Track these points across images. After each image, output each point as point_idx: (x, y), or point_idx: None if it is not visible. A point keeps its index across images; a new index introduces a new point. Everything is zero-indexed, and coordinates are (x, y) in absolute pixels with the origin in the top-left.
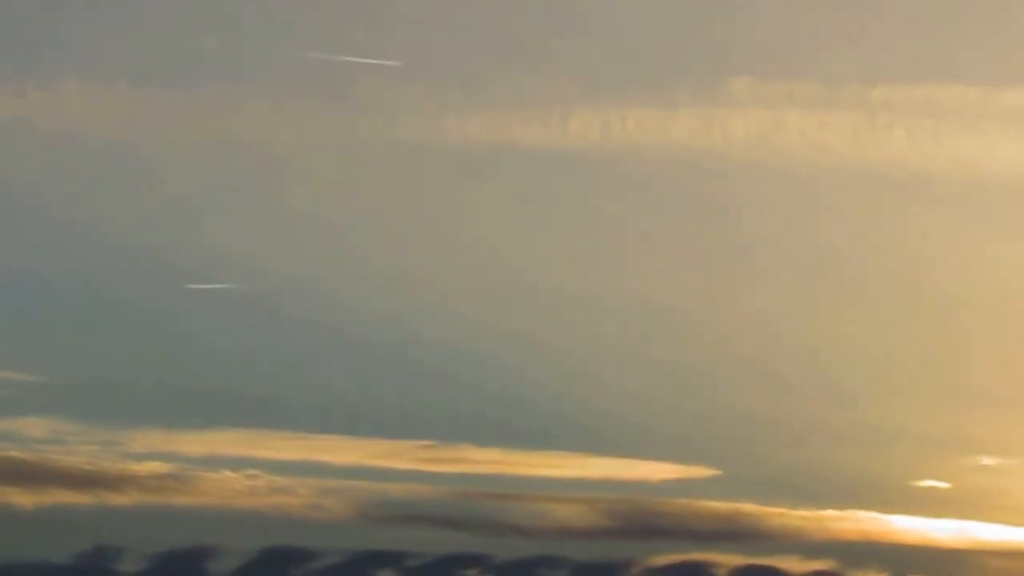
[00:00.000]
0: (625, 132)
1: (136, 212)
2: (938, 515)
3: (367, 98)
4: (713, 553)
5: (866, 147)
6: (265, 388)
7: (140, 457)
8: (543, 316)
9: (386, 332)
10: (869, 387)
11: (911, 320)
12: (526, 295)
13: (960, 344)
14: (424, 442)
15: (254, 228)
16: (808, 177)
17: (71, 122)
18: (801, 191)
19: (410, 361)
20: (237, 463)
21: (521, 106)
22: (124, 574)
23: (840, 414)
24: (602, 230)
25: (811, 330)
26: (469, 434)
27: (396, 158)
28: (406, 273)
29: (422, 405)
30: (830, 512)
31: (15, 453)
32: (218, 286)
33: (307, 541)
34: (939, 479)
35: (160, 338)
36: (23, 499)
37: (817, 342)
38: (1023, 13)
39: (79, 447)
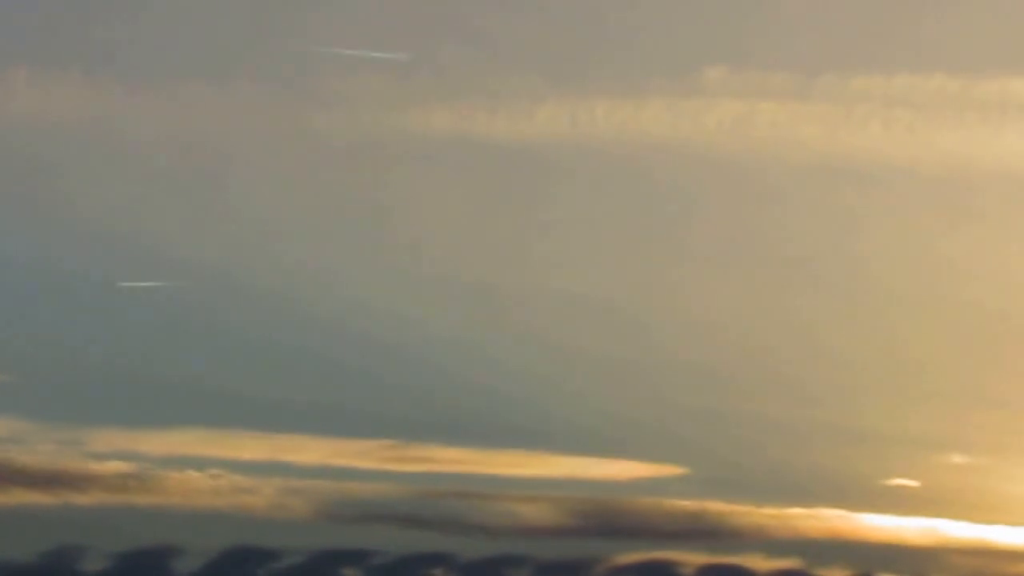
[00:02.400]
0: (594, 123)
1: (89, 206)
2: (907, 513)
3: (325, 89)
4: (679, 552)
5: (843, 139)
6: (228, 387)
7: (102, 457)
8: (508, 314)
9: (348, 330)
10: (838, 385)
11: (883, 319)
12: (490, 292)
13: (932, 342)
14: (388, 441)
15: (210, 224)
16: (782, 170)
17: (22, 112)
18: (774, 184)
19: (373, 360)
20: (200, 463)
21: (486, 97)
22: (87, 574)
23: (808, 412)
24: (569, 225)
25: (781, 328)
26: (434, 433)
27: (356, 152)
28: (367, 270)
29: (386, 404)
30: (797, 510)
31: None
32: (175, 283)
33: (271, 541)
34: (908, 477)
35: (119, 336)
36: None
37: (787, 341)
38: (1004, 1)
39: (40, 446)
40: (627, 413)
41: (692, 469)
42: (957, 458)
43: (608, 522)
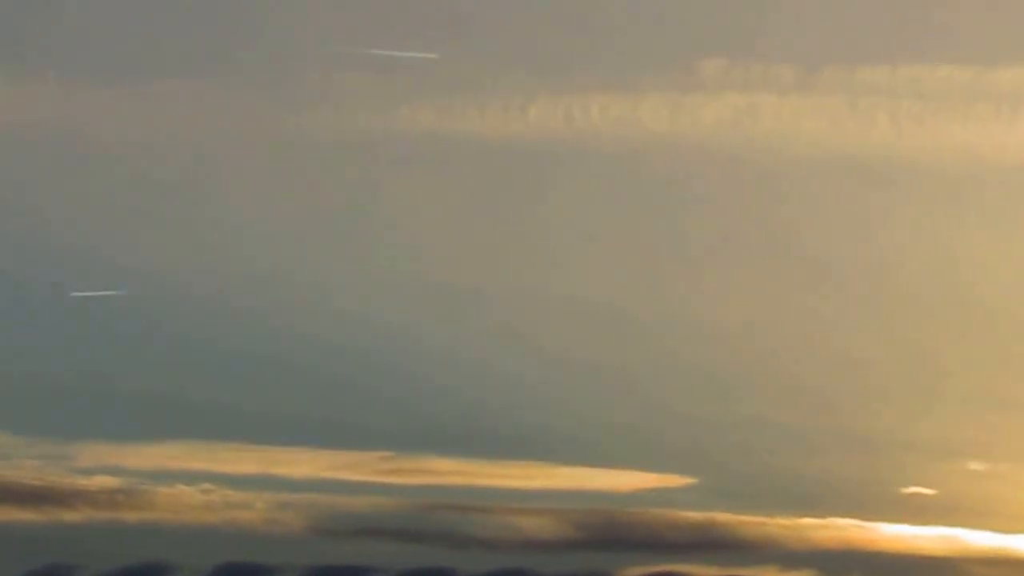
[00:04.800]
0: (588, 120)
1: (65, 215)
2: (924, 522)
3: (306, 87)
4: (688, 564)
5: (848, 134)
6: (218, 399)
7: (89, 472)
8: (504, 319)
9: (341, 339)
10: (851, 391)
11: (895, 321)
12: (484, 296)
13: (947, 344)
14: (384, 453)
15: (193, 230)
16: (785, 166)
17: None
18: (777, 181)
19: (367, 370)
20: (191, 477)
21: (476, 94)
22: None
23: (820, 418)
24: (565, 225)
25: (789, 332)
26: (430, 444)
27: (339, 152)
28: (357, 276)
29: (381, 415)
30: (810, 520)
31: None
32: (162, 294)
33: (264, 556)
34: (924, 485)
35: (105, 348)
36: None
37: (796, 344)
38: None
39: (25, 462)
40: (631, 421)
41: (701, 479)
42: (975, 465)
43: (614, 534)
